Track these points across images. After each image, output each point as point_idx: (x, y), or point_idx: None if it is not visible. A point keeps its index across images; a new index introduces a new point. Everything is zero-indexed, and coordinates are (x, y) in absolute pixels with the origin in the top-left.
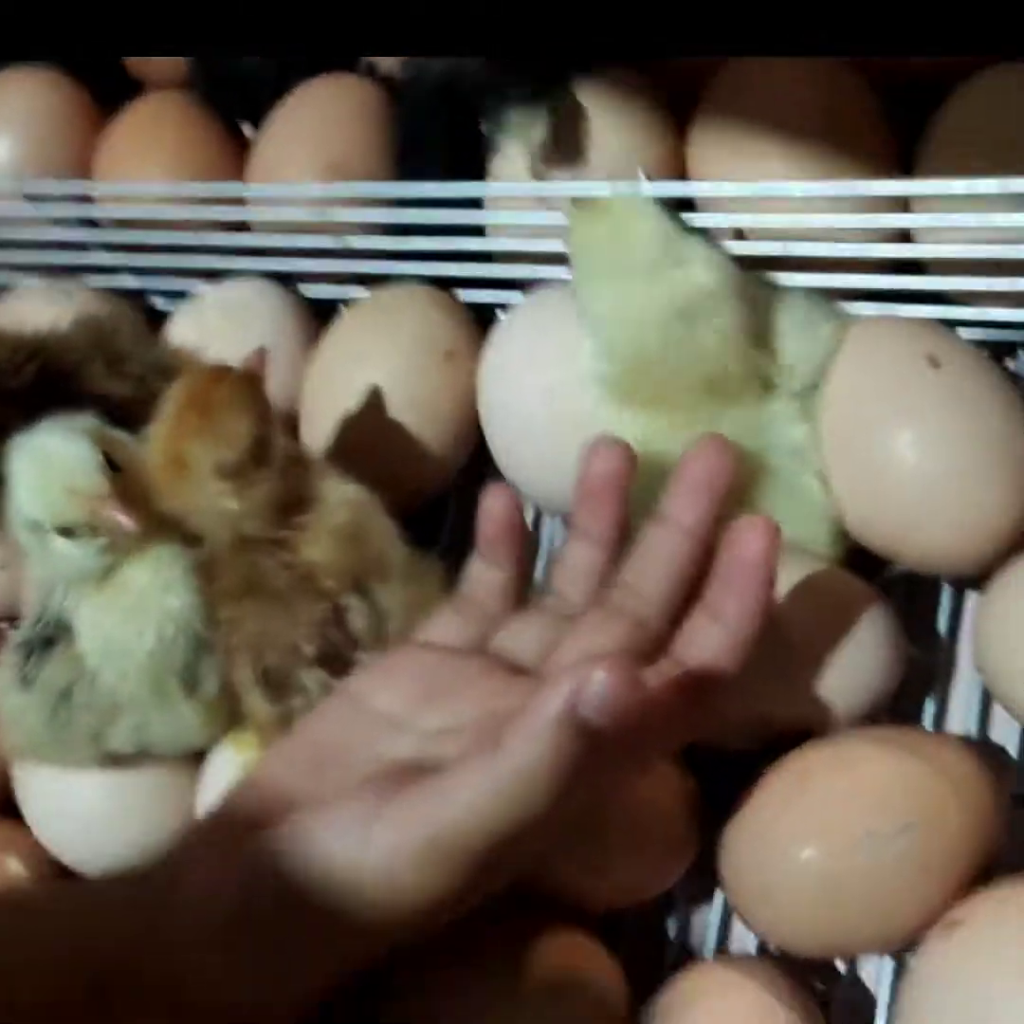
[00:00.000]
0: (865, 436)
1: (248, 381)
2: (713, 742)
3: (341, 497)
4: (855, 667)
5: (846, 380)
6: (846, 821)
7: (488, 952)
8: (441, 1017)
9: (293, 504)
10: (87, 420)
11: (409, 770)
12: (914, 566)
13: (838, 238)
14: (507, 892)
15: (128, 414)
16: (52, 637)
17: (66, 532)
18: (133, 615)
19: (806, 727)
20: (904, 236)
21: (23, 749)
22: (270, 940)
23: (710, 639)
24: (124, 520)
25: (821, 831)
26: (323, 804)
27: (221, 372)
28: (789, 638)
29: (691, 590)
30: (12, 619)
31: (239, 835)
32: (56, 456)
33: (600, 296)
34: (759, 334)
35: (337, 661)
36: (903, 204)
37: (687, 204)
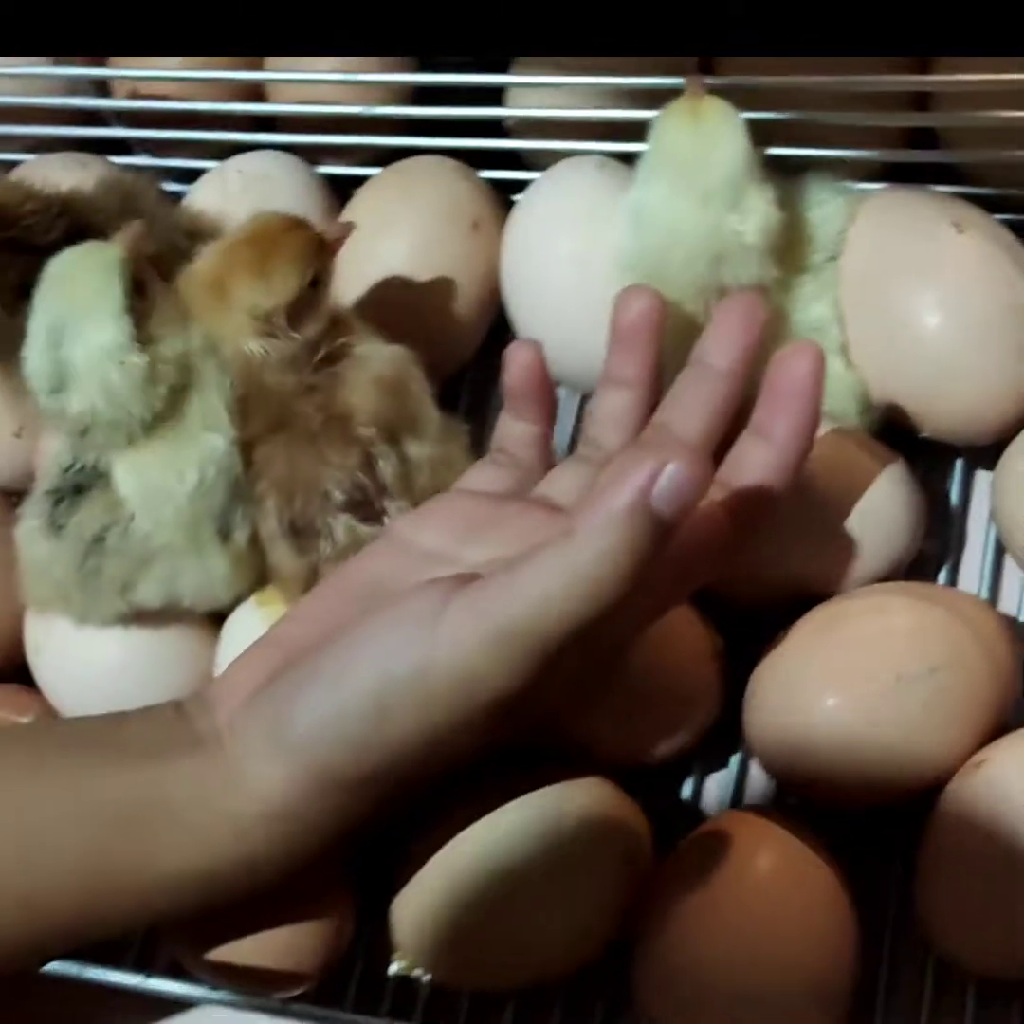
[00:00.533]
0: (888, 299)
1: (318, 243)
2: (740, 601)
3: (384, 353)
4: (880, 526)
5: (869, 245)
6: (875, 665)
7: (518, 795)
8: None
9: (330, 358)
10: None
11: (467, 575)
12: (935, 433)
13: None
14: (536, 743)
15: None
16: (84, 484)
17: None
18: (174, 455)
19: (832, 586)
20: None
21: (47, 600)
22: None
23: (758, 459)
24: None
25: (849, 676)
26: (379, 609)
27: (297, 223)
28: (817, 497)
29: (727, 433)
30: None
31: (286, 660)
32: (81, 257)
33: (653, 193)
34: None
35: (366, 508)
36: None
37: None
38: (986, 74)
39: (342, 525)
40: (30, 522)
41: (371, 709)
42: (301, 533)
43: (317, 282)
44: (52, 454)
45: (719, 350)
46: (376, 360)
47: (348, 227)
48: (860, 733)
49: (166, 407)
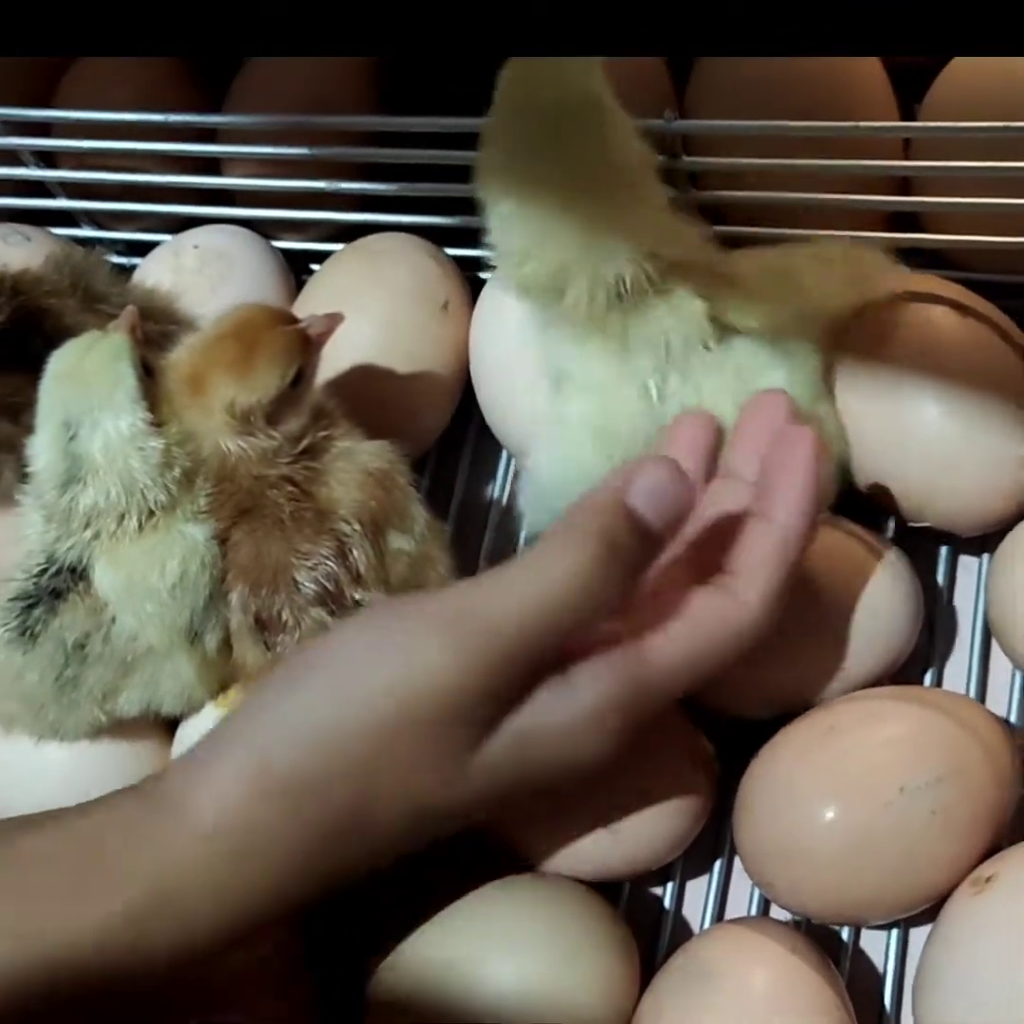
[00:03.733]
0: (887, 395)
1: (302, 339)
2: (730, 709)
3: (371, 447)
4: (880, 624)
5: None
6: (876, 777)
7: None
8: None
9: (311, 451)
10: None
11: None
12: (934, 522)
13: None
14: (517, 859)
15: None
16: (62, 588)
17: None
18: (156, 548)
19: (826, 689)
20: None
21: (11, 716)
22: None
23: (767, 543)
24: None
25: (849, 788)
26: None
27: (280, 317)
28: (811, 594)
29: None
30: None
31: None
32: (86, 348)
33: None
34: None
35: (337, 600)
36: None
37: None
38: (969, 162)
39: (311, 618)
40: None
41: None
42: (267, 626)
43: (300, 378)
44: (14, 560)
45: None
46: (363, 453)
47: (335, 319)
48: (860, 848)
49: (178, 492)
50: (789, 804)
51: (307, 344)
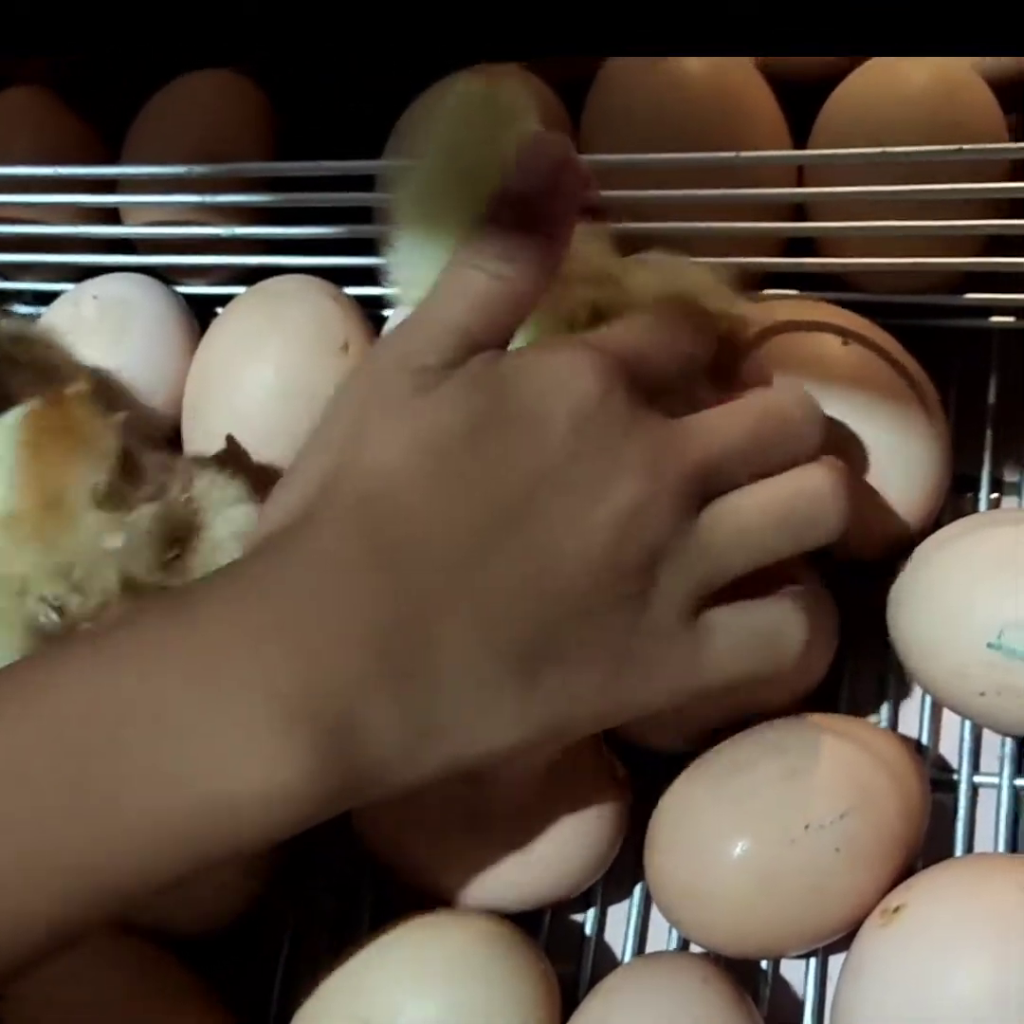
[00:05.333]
0: None
1: (84, 398)
2: (643, 740)
3: (230, 527)
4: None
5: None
6: (781, 814)
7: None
8: None
9: (179, 534)
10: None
11: None
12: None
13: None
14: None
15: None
16: None
17: None
18: None
19: (739, 714)
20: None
21: None
22: None
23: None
24: None
25: (753, 825)
26: None
27: (56, 396)
28: None
29: None
30: None
31: None
32: None
33: None
34: None
35: None
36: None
37: None
38: (858, 187)
39: None
40: None
41: None
42: None
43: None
44: None
45: None
46: (225, 540)
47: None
48: (767, 885)
49: None
50: (696, 842)
51: (91, 400)
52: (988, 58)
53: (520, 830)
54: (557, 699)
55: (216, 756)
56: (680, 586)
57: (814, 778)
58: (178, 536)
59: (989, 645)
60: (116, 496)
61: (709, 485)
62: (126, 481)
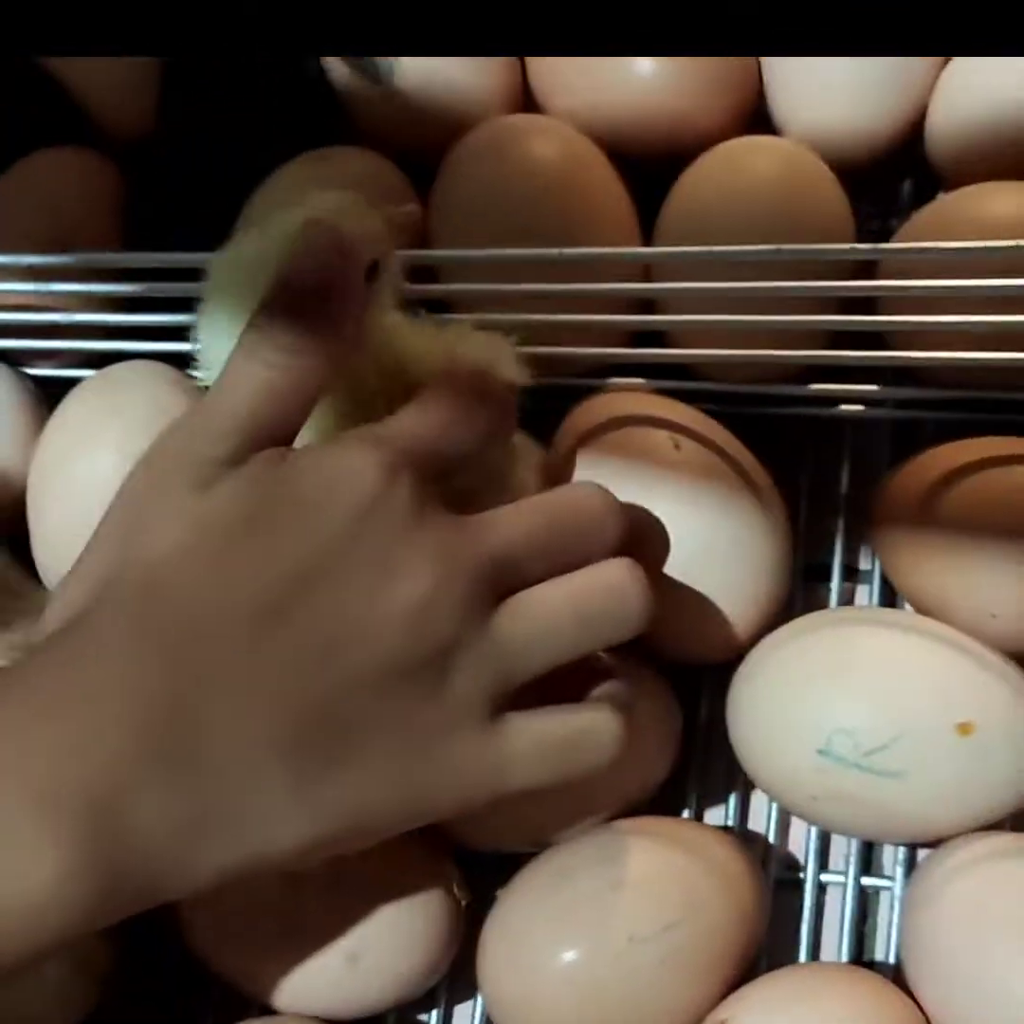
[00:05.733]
0: None
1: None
2: (473, 840)
3: None
4: (634, 756)
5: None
6: (606, 923)
7: None
8: None
9: None
10: None
11: None
12: (671, 658)
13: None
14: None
15: None
16: None
17: None
18: None
19: (570, 826)
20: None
21: None
22: None
23: None
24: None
25: (581, 934)
26: None
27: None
28: None
29: None
30: None
31: None
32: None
33: None
34: None
35: None
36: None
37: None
38: (705, 283)
39: None
40: None
41: None
42: None
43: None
44: None
45: None
46: None
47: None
48: (592, 998)
49: None
50: (524, 953)
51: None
52: (834, 140)
53: (341, 933)
54: (343, 799)
55: None
56: (474, 685)
57: (641, 889)
58: None
59: (819, 751)
60: None
61: (503, 581)
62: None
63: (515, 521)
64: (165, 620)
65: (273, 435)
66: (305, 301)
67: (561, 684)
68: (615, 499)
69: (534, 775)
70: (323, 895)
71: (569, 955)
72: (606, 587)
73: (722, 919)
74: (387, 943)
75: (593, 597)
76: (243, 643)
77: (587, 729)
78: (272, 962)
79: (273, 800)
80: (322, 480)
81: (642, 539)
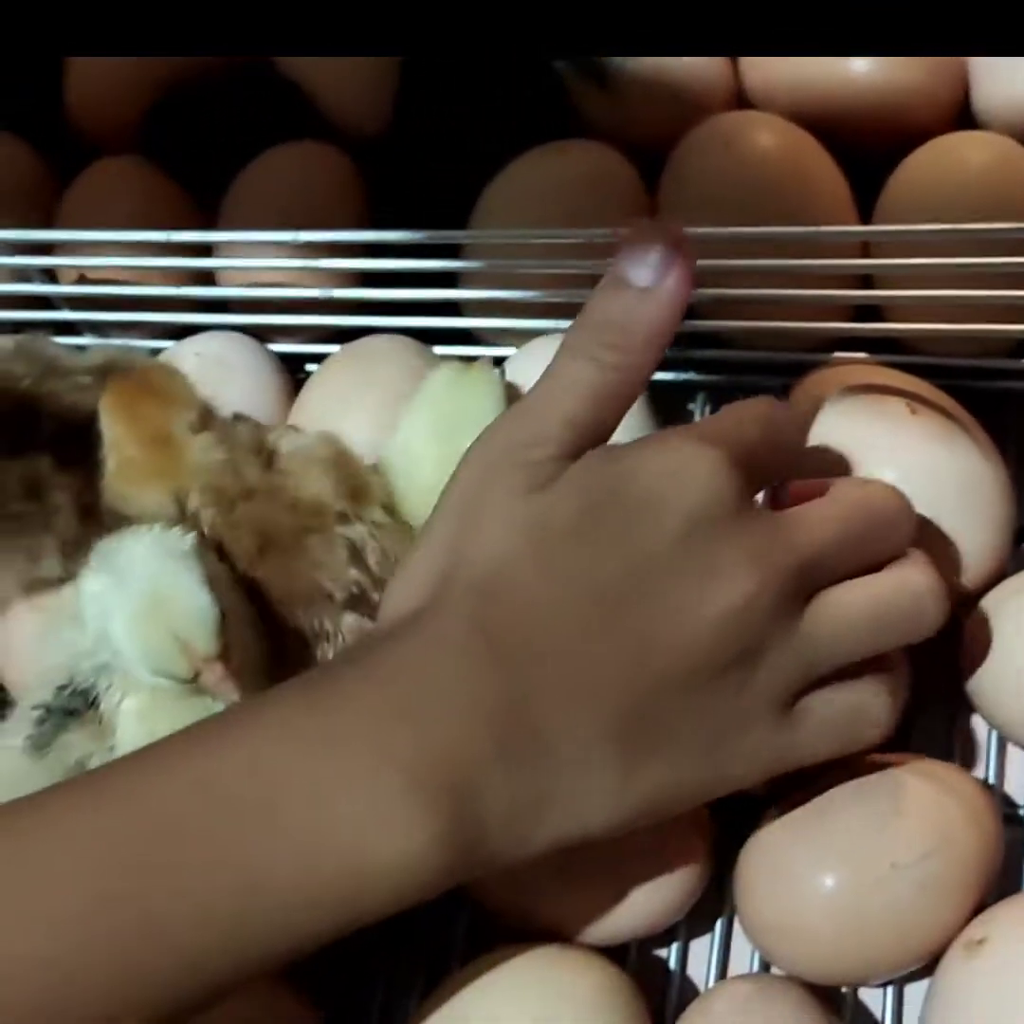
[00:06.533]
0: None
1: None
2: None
3: (312, 437)
4: None
5: (824, 426)
6: (868, 851)
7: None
8: None
9: (268, 452)
10: (187, 540)
11: None
12: None
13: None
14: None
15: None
16: (77, 708)
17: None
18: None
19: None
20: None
21: None
22: None
23: None
24: (229, 688)
25: (842, 862)
26: None
27: (131, 371)
28: None
29: None
30: None
31: None
32: (171, 603)
33: (416, 437)
34: None
35: (363, 602)
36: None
37: None
38: (926, 259)
39: (346, 624)
40: (9, 740)
41: None
42: (309, 636)
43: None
44: (39, 667)
45: None
46: (313, 443)
47: None
48: (853, 922)
49: None
50: (785, 880)
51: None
52: None
53: (611, 872)
54: (657, 780)
55: (355, 823)
56: (779, 679)
57: (898, 820)
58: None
59: None
60: (209, 424)
61: (811, 581)
62: (211, 417)
63: (824, 523)
64: (502, 620)
65: (597, 434)
66: (634, 302)
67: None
68: (907, 500)
69: (819, 751)
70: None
71: (832, 881)
72: (909, 590)
73: (969, 849)
74: (647, 882)
75: (897, 600)
76: (576, 641)
77: (867, 708)
78: (542, 894)
79: (603, 784)
80: (657, 477)
81: (928, 539)
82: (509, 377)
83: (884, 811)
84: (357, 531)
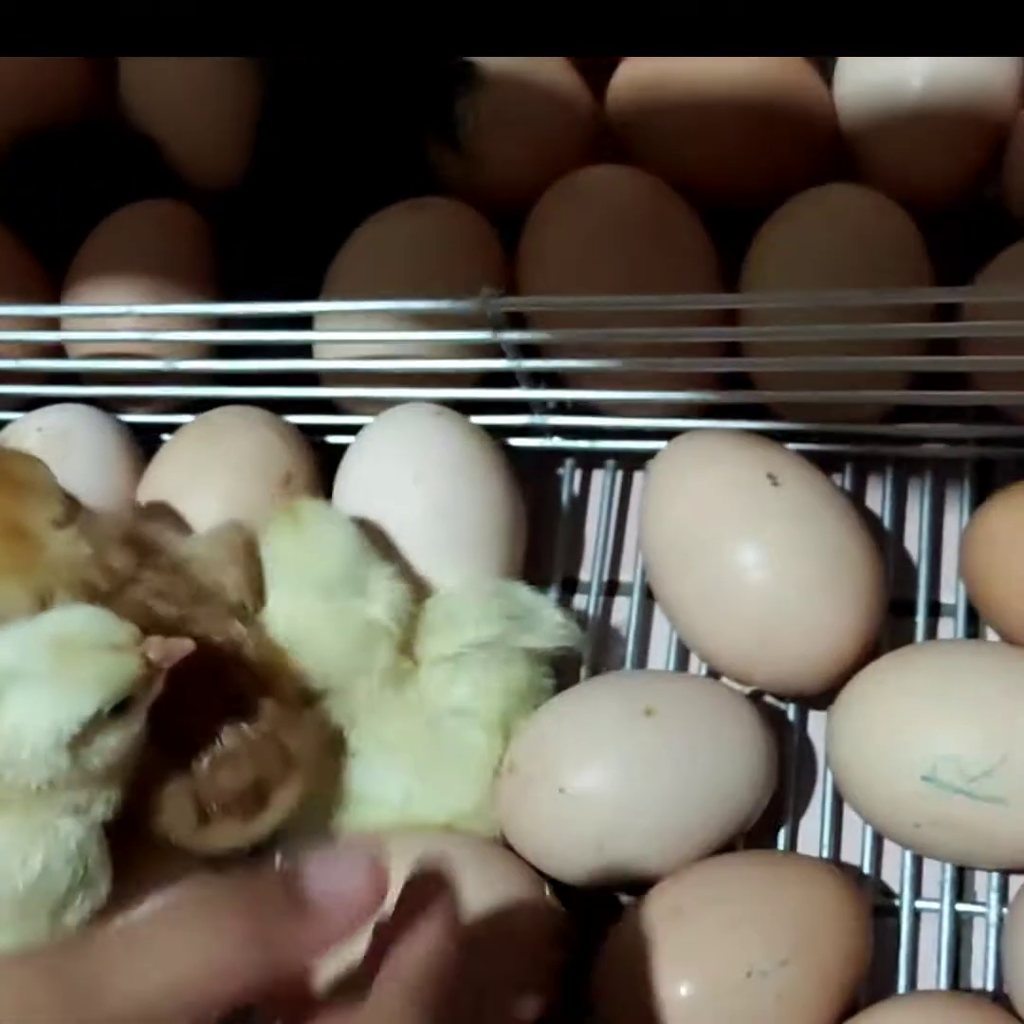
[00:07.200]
0: (707, 555)
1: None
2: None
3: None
4: (732, 789)
5: (686, 498)
6: (724, 960)
7: None
8: None
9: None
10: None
11: None
12: (763, 688)
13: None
14: None
15: None
16: None
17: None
18: (21, 837)
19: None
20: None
21: None
22: None
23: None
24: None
25: (700, 969)
26: None
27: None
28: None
29: None
30: None
31: None
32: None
33: (278, 597)
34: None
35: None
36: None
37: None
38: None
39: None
40: None
41: None
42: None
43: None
44: None
45: None
46: (219, 535)
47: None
48: None
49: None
50: (644, 988)
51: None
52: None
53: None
54: None
55: None
56: None
57: (755, 926)
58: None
59: (924, 778)
60: (73, 516)
61: None
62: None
63: None
64: None
65: None
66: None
67: None
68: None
69: None
70: None
71: (688, 988)
72: None
73: (834, 954)
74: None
75: None
76: None
77: None
78: None
79: None
80: None
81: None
82: (369, 446)
83: (737, 917)
84: (241, 630)
